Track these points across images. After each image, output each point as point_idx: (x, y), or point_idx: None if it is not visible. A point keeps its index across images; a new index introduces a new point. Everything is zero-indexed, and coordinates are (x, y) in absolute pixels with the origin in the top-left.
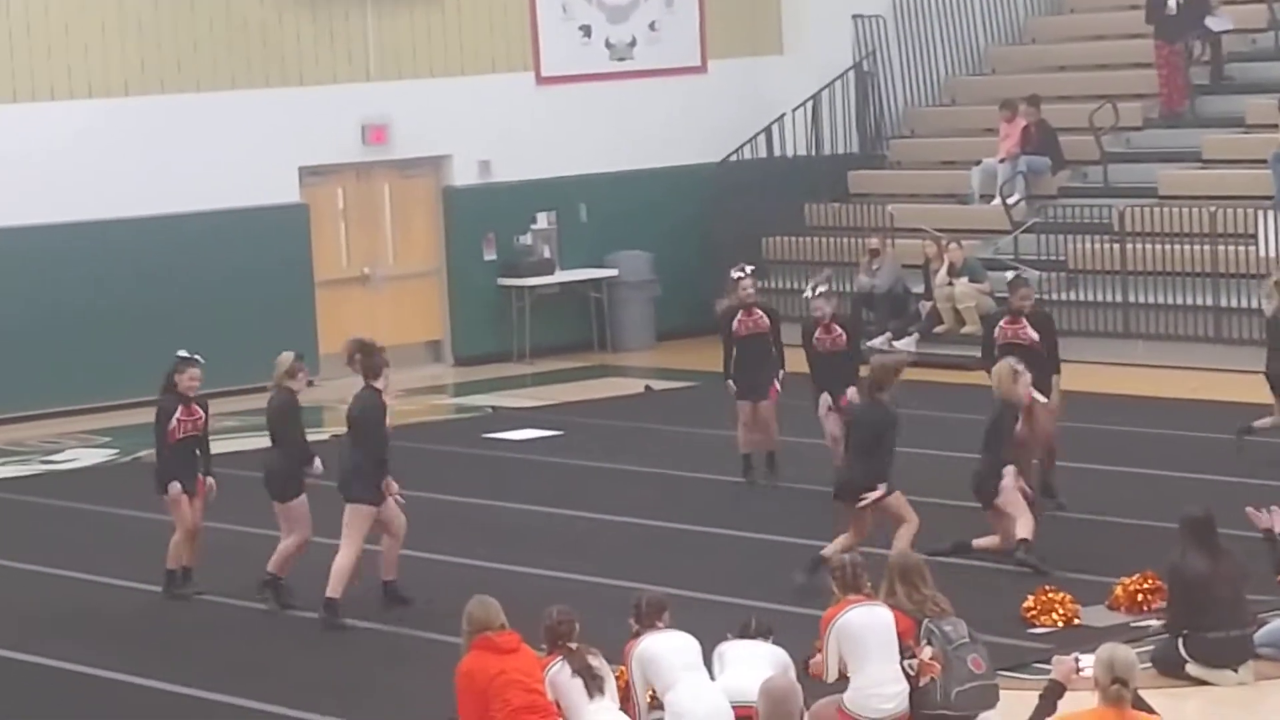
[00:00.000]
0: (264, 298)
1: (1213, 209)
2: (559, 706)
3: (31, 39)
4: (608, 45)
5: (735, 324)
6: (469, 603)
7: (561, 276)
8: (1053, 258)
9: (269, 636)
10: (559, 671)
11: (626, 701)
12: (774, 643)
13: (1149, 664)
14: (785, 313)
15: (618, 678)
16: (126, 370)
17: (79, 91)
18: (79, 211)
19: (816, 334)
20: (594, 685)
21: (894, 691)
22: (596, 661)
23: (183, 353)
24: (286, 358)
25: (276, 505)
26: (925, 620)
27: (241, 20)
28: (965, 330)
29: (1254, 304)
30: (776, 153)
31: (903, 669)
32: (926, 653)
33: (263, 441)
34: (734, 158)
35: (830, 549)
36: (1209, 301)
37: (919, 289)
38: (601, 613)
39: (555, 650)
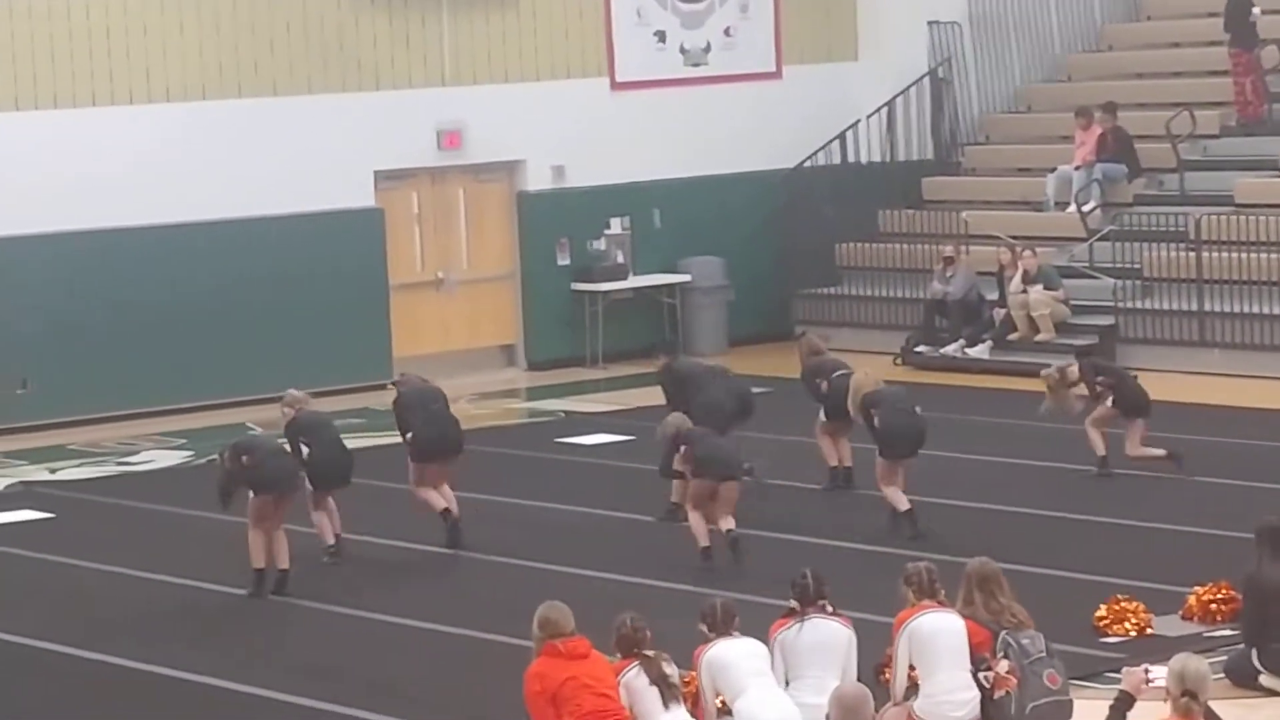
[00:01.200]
0: (339, 301)
1: None
2: (632, 712)
3: (111, 43)
4: (682, 51)
5: None
6: (540, 607)
7: (635, 281)
8: (1128, 265)
9: (341, 638)
10: (635, 677)
11: (696, 708)
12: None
13: (1222, 675)
14: (858, 319)
15: (686, 683)
16: (203, 373)
17: (157, 95)
18: (156, 215)
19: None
20: (670, 694)
21: (965, 699)
22: (671, 669)
23: None
24: None
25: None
26: (1003, 632)
27: (318, 24)
28: (1039, 338)
29: None
30: (851, 159)
31: (977, 680)
32: (1003, 666)
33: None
34: (808, 164)
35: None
36: None
37: (993, 296)
38: (670, 618)
39: (630, 658)
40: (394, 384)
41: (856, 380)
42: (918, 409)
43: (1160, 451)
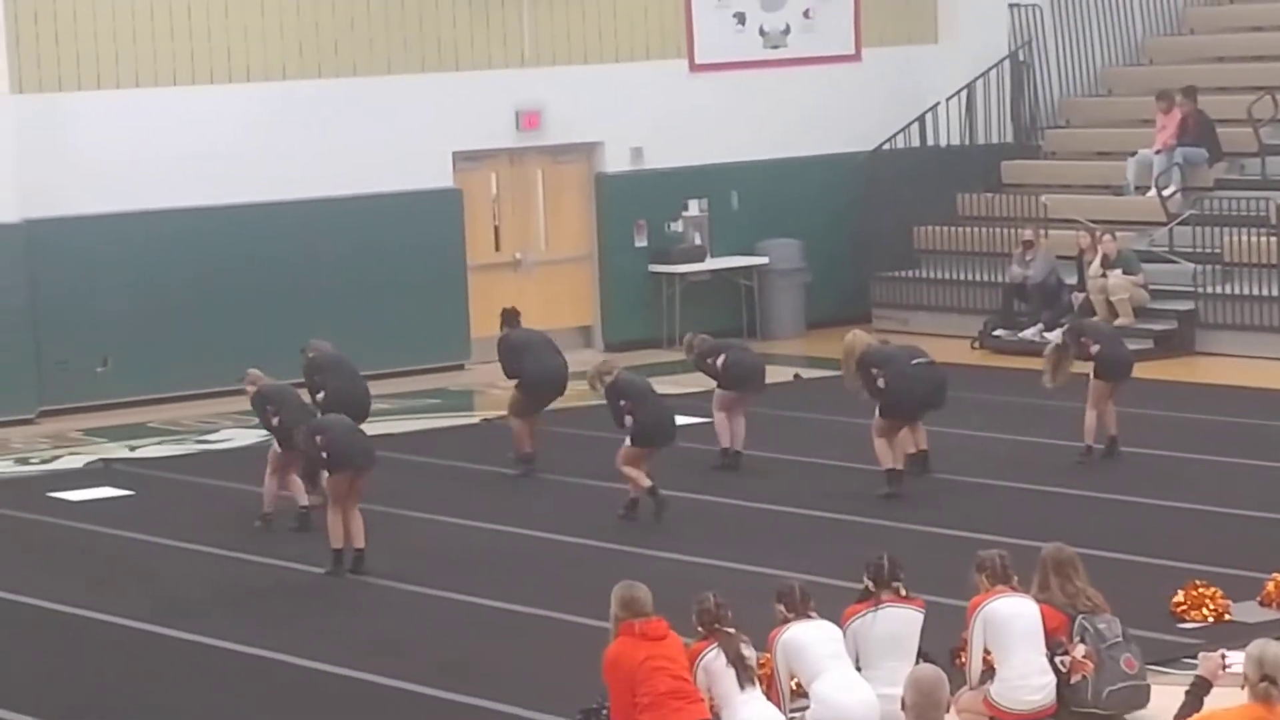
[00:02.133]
0: (417, 281)
1: None
2: (709, 693)
3: (192, 22)
4: (761, 33)
5: None
6: (617, 586)
7: (712, 264)
8: (1208, 250)
9: (415, 617)
10: (714, 659)
11: (770, 690)
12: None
13: None
14: (936, 303)
15: (761, 665)
16: (282, 352)
17: (238, 75)
18: (236, 194)
19: None
20: (745, 676)
21: (1041, 683)
22: (749, 651)
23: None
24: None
25: None
26: (1079, 617)
27: (398, 4)
28: (1118, 322)
29: None
30: (929, 142)
31: (1053, 665)
32: (1080, 650)
33: (416, 424)
34: (887, 146)
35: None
36: None
37: (1072, 280)
38: (744, 600)
39: (711, 635)
40: (304, 352)
41: (848, 342)
42: (932, 361)
43: (1113, 429)
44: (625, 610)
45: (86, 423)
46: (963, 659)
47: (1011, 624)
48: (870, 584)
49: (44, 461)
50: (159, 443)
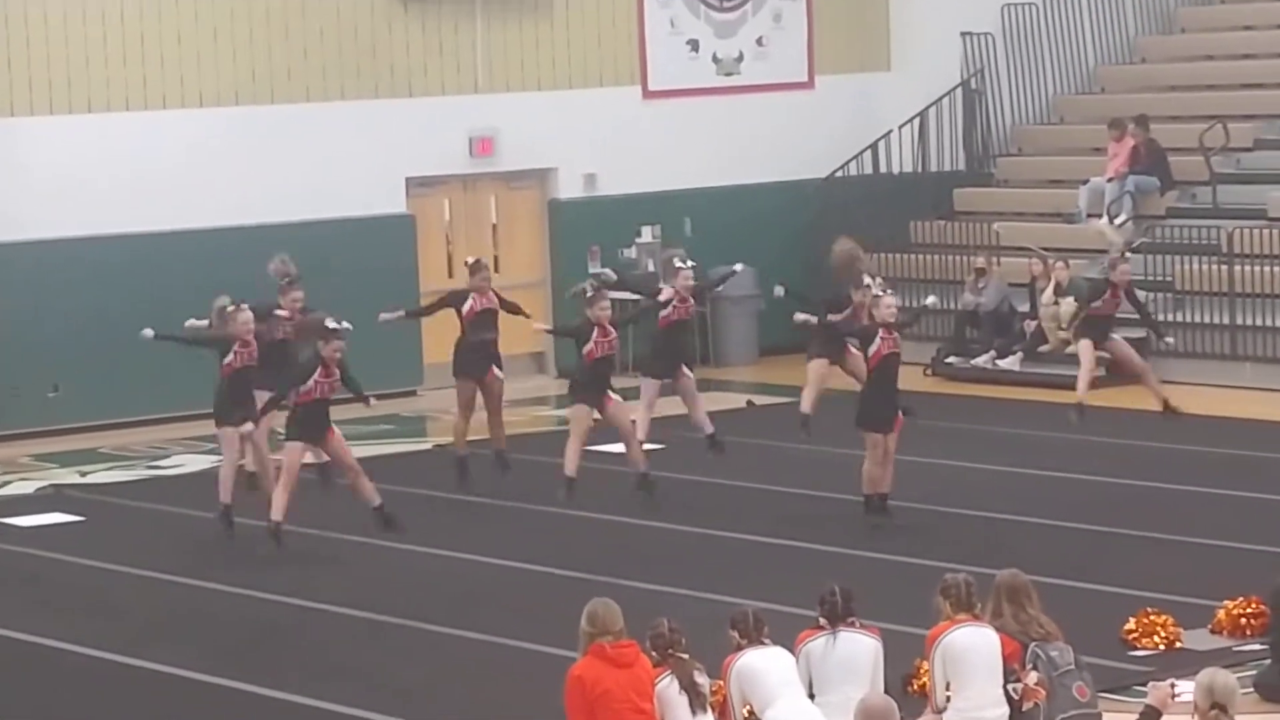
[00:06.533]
0: (369, 308)
1: None
2: None
3: (145, 48)
4: (715, 60)
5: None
6: (591, 603)
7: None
8: (1160, 278)
9: (371, 644)
10: (667, 686)
11: (724, 717)
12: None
13: (1251, 689)
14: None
15: (715, 692)
16: None
17: (190, 100)
18: (188, 220)
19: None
20: (698, 703)
21: (995, 715)
22: (702, 678)
23: (335, 323)
24: None
25: None
26: (1032, 644)
27: (351, 30)
28: (1070, 350)
29: None
30: (883, 169)
31: (1006, 692)
32: (1031, 678)
33: (369, 450)
34: (840, 174)
35: None
36: None
37: (1024, 308)
38: (698, 627)
39: (665, 661)
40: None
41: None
42: None
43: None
44: (594, 627)
45: (37, 448)
46: (916, 687)
47: (969, 656)
48: (824, 621)
49: None
50: (110, 468)
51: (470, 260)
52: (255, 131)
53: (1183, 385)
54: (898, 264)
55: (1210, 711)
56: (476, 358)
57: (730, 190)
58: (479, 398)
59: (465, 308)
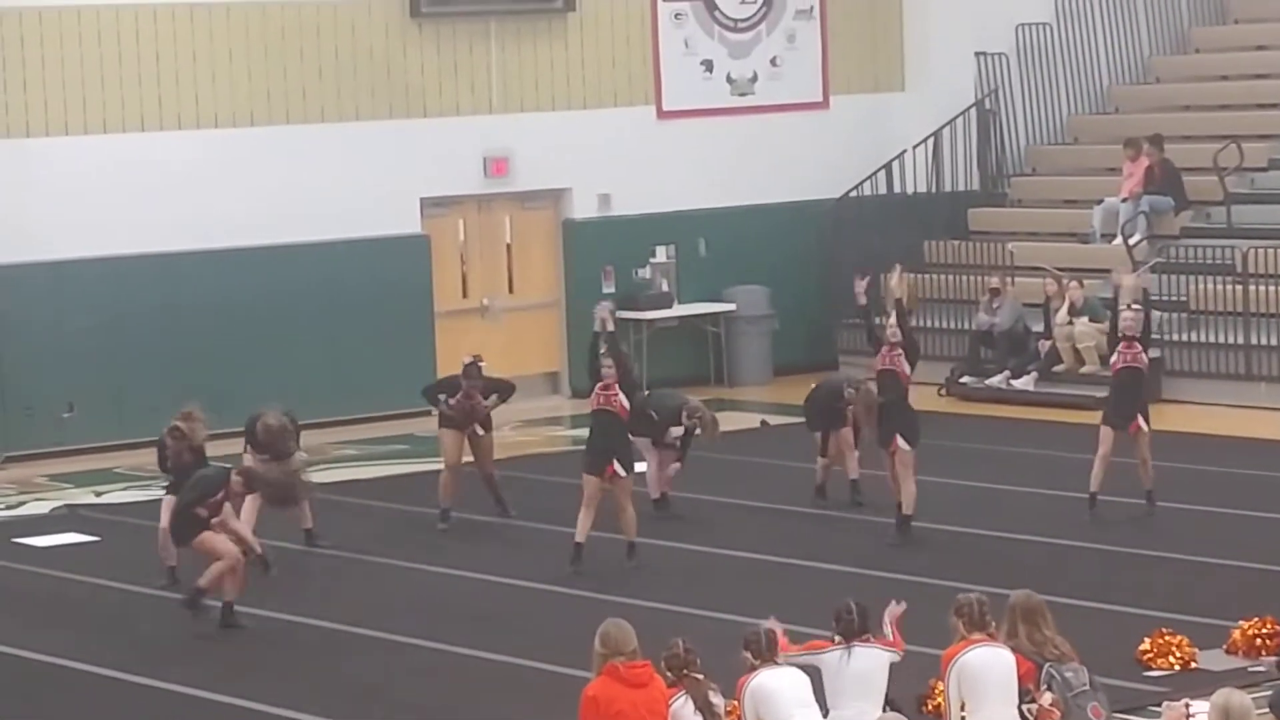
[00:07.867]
0: (385, 327)
1: None
2: None
3: (160, 68)
4: (729, 80)
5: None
6: (604, 624)
7: (680, 310)
8: (1174, 298)
9: (387, 663)
10: (682, 706)
11: None
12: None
13: (1266, 709)
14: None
15: (729, 712)
16: (249, 398)
17: (206, 121)
18: (203, 240)
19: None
20: None
21: None
22: (717, 698)
23: None
24: None
25: None
26: (1046, 665)
27: (367, 51)
28: (1084, 370)
29: None
30: (897, 189)
31: (1020, 713)
32: (1046, 698)
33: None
34: (854, 194)
35: None
36: None
37: (1039, 328)
38: (712, 647)
39: (680, 682)
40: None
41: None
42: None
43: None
44: (606, 648)
45: (52, 468)
46: (930, 707)
47: (984, 676)
48: (839, 639)
49: (9, 507)
50: (124, 488)
51: (467, 359)
52: (270, 152)
53: (1197, 405)
54: (912, 284)
55: None
56: (459, 418)
57: (744, 210)
58: (465, 446)
59: (454, 398)
